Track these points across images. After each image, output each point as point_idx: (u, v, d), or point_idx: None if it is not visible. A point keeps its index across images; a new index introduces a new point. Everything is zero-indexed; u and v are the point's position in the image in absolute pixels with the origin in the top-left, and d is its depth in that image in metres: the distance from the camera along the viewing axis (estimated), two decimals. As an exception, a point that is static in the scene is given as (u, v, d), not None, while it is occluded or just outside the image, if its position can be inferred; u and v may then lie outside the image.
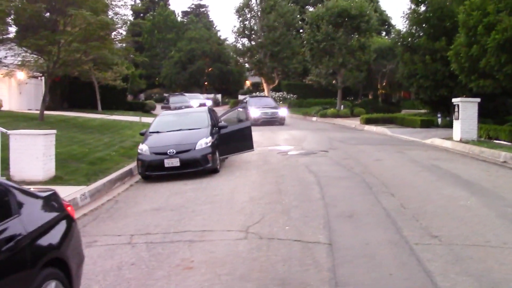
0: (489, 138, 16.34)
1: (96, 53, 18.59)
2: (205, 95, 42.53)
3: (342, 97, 35.01)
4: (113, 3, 20.72)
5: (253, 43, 42.44)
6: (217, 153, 11.21)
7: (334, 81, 34.18)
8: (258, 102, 27.97)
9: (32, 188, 3.86)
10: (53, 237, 3.51)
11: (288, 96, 44.06)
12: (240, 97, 52.98)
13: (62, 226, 3.73)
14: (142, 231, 6.54)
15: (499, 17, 15.10)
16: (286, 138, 18.47)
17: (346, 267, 4.91)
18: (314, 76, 33.25)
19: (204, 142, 10.80)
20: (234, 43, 44.14)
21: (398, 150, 14.41)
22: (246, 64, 45.18)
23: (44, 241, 3.39)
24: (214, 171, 11.00)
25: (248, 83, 60.37)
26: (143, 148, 10.80)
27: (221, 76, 54.11)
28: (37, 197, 3.67)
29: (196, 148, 10.64)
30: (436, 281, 4.47)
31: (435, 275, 4.61)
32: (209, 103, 39.73)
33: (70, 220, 3.92)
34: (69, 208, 4.02)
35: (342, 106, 33.07)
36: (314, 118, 31.67)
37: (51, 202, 3.86)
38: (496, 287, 4.37)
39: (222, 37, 61.50)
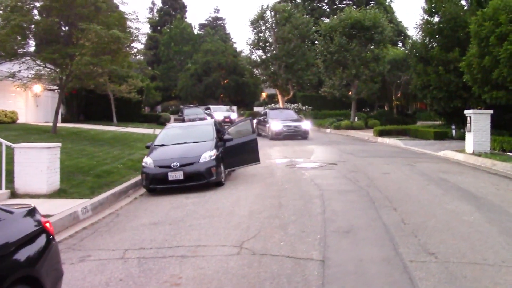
0: (503, 150, 16.03)
1: (107, 67, 18.76)
2: (227, 107, 43.21)
3: (358, 108, 34.84)
4: (125, 16, 20.87)
5: (268, 55, 42.50)
6: (221, 166, 11.18)
7: (349, 93, 34.00)
8: (279, 115, 26.09)
9: (13, 203, 3.84)
10: (26, 253, 3.48)
11: (303, 108, 43.90)
12: (256, 109, 53.09)
13: (38, 242, 3.71)
14: (137, 245, 6.50)
15: (511, 27, 14.90)
16: (295, 150, 18.36)
17: (335, 285, 4.80)
18: (328, 88, 33.11)
19: (208, 155, 10.78)
20: (249, 55, 44.26)
21: (408, 162, 14.20)
22: (261, 76, 45.19)
23: (16, 257, 3.36)
24: (218, 184, 10.96)
25: (263, 94, 60.47)
26: (148, 161, 10.82)
27: (236, 88, 54.29)
28: (11, 212, 3.66)
29: (200, 161, 10.62)
30: (425, 301, 4.35)
31: (425, 295, 4.49)
32: (234, 115, 40.31)
33: (48, 236, 3.90)
34: (47, 224, 4.00)
35: (356, 117, 32.87)
36: (328, 130, 31.51)
37: (27, 218, 3.84)
38: (487, 308, 4.22)
39: (238, 49, 61.84)
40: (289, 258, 5.65)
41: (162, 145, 11.65)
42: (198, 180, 10.58)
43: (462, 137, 19.83)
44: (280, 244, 6.22)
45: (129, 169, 12.89)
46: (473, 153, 15.40)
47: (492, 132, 16.74)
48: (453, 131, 22.05)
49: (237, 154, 12.11)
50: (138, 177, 11.63)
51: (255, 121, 24.62)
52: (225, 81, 55.69)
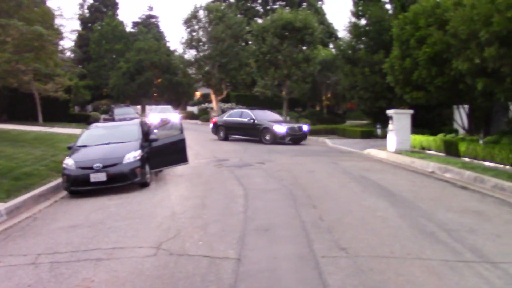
0: (422, 148, 16.86)
1: (31, 64, 18.04)
2: (161, 106, 40.55)
3: (290, 108, 35.35)
4: (51, 12, 20.15)
5: (201, 54, 42.31)
6: (147, 167, 11.04)
7: (281, 93, 34.46)
8: (266, 116, 22.83)
9: None
10: None
11: (237, 108, 44.11)
12: (190, 108, 52.63)
13: None
14: (51, 250, 6.32)
15: (429, 31, 15.65)
16: (226, 150, 18.43)
17: (246, 283, 4.89)
18: (260, 88, 33.37)
19: (132, 155, 10.61)
20: (183, 54, 43.86)
21: (333, 161, 14.62)
22: (195, 75, 44.91)
23: None
24: (143, 185, 10.82)
25: (197, 94, 60.08)
26: (69, 162, 10.50)
27: (170, 87, 53.49)
28: None
29: (124, 162, 10.44)
30: (331, 295, 4.52)
31: (332, 289, 4.66)
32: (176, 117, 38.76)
33: None
34: None
35: (288, 117, 33.35)
36: (261, 129, 31.76)
37: None
38: (388, 299, 4.45)
39: (171, 48, 61.03)
40: (205, 257, 5.68)
41: (85, 146, 11.33)
42: (122, 181, 10.39)
43: (386, 136, 20.64)
44: (198, 244, 6.24)
45: (52, 171, 12.43)
46: (395, 151, 16.08)
47: (413, 131, 17.56)
48: (378, 130, 22.89)
49: (164, 154, 11.97)
50: (60, 179, 11.25)
51: (225, 117, 23.26)
52: (159, 80, 54.79)
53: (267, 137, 20.98)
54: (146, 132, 12.31)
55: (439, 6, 15.90)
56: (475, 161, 13.23)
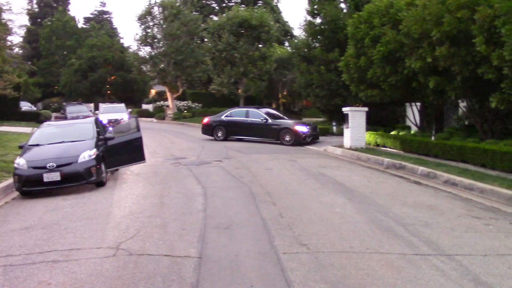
0: (377, 145, 17.22)
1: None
2: (113, 105, 37.90)
3: (246, 105, 35.37)
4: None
5: (156, 51, 41.72)
6: (102, 166, 10.80)
7: (237, 90, 34.45)
8: (274, 114, 21.81)
9: None
10: None
11: (193, 105, 43.70)
12: (145, 106, 51.74)
13: None
14: (4, 253, 6.08)
15: (383, 30, 15.99)
16: (183, 148, 18.27)
17: (209, 281, 4.85)
18: (217, 85, 33.27)
19: (87, 154, 10.35)
20: (137, 51, 43.12)
21: (291, 158, 14.73)
22: (150, 72, 44.23)
23: None
24: (99, 184, 10.58)
25: (152, 92, 59.25)
26: (20, 162, 10.14)
27: (124, 84, 52.48)
28: None
29: (79, 161, 10.16)
30: (293, 291, 4.55)
31: (295, 284, 4.70)
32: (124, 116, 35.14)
33: None
34: None
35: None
36: (217, 127, 31.64)
37: None
38: (349, 293, 4.52)
39: (125, 45, 60.05)
40: (166, 257, 5.61)
41: (37, 144, 10.96)
42: (77, 181, 10.12)
43: (342, 133, 20.93)
44: (158, 243, 6.16)
45: (1, 171, 11.99)
46: (350, 148, 16.36)
47: (368, 128, 17.92)
48: (334, 128, 23.21)
49: (120, 153, 11.74)
50: (11, 180, 10.87)
51: (222, 117, 21.76)
52: (112, 78, 53.67)
53: (288, 138, 19.70)
54: (101, 130, 12.04)
55: (393, 6, 16.28)
56: (428, 157, 13.61)
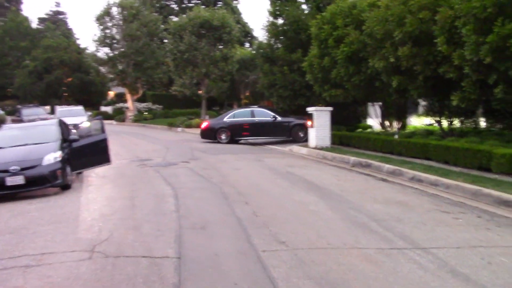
0: (341, 144, 17.44)
1: None
2: (70, 108, 35.40)
3: (208, 107, 35.25)
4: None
5: (115, 52, 41.06)
6: (68, 169, 10.52)
7: (199, 91, 34.26)
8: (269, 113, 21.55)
9: None
10: None
11: (154, 107, 43.23)
12: (104, 108, 50.75)
13: None
14: (-29, 259, 5.84)
15: (346, 31, 16.24)
16: (147, 150, 18.03)
17: (192, 281, 4.80)
18: (178, 87, 32.97)
19: (52, 157, 10.06)
20: (95, 52, 42.27)
21: (257, 158, 14.76)
22: (108, 74, 43.45)
23: None
24: (65, 187, 10.32)
25: (111, 93, 58.22)
26: (-19, 166, 9.77)
27: (81, 86, 51.32)
28: None
29: (43, 164, 9.87)
30: (278, 287, 4.55)
31: (278, 281, 4.70)
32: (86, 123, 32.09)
33: None
34: None
35: (207, 116, 33.29)
36: (180, 129, 31.41)
37: None
38: (333, 287, 4.55)
39: (82, 46, 58.63)
40: (144, 258, 5.51)
41: (-1, 147, 10.60)
42: (42, 184, 9.82)
43: (305, 133, 21.15)
44: (134, 244, 6.04)
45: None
46: (316, 147, 16.53)
47: (332, 127, 18.13)
48: (298, 128, 23.34)
49: (85, 155, 11.47)
50: (-29, 184, 10.45)
51: (225, 119, 21.21)
52: (69, 79, 52.40)
53: (302, 134, 19.76)
54: (65, 132, 11.74)
55: (356, 7, 16.54)
56: (392, 155, 13.88)
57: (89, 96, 52.59)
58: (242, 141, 20.87)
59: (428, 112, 16.78)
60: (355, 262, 5.22)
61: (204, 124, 21.97)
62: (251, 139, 21.12)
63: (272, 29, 24.19)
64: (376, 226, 6.65)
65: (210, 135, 21.32)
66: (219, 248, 5.78)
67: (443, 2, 12.41)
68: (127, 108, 43.59)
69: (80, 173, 12.11)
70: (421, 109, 18.27)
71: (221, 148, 18.64)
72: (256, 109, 21.77)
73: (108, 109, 49.13)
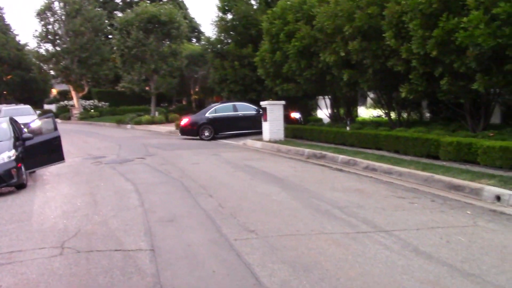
0: (295, 137, 17.80)
1: None
2: (16, 107, 32.77)
3: (157, 103, 34.90)
4: None
5: (58, 48, 39.85)
6: (22, 167, 10.26)
7: (147, 88, 33.86)
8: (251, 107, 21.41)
9: None
10: None
11: (100, 105, 42.31)
12: (47, 106, 49.16)
13: None
14: None
15: (298, 26, 16.57)
16: (99, 147, 17.74)
17: (169, 270, 4.89)
18: (127, 83, 32.43)
19: (6, 156, 9.78)
20: (37, 48, 40.85)
21: (213, 153, 14.86)
22: (51, 71, 42.11)
23: None
24: (20, 186, 10.05)
25: (54, 91, 56.45)
26: None
27: (22, 84, 49.45)
28: None
29: (-3, 163, 9.60)
30: (255, 272, 4.72)
31: (254, 267, 4.86)
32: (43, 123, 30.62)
33: None
34: None
35: (156, 112, 32.99)
36: (129, 126, 30.99)
37: None
38: (307, 269, 4.76)
39: (22, 42, 56.56)
40: (117, 251, 5.54)
41: None
42: (-4, 184, 9.56)
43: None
44: (104, 239, 6.04)
45: None
46: (270, 141, 16.80)
47: (285, 121, 18.47)
48: (250, 122, 23.58)
49: (38, 153, 11.19)
50: None
51: (207, 115, 20.72)
52: (8, 77, 50.38)
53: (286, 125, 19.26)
54: (17, 130, 11.41)
55: (306, 2, 16.90)
56: (344, 147, 14.32)
57: (31, 94, 50.76)
58: (203, 137, 20.46)
59: (376, 104, 17.41)
60: (324, 246, 5.47)
61: (184, 121, 21.22)
62: (236, 133, 20.79)
63: (222, 24, 24.33)
64: (339, 213, 6.94)
65: (191, 131, 20.71)
66: (191, 239, 5.88)
67: (391, -2, 12.92)
68: (72, 105, 42.49)
69: (33, 172, 11.82)
70: (369, 101, 18.89)
71: (176, 143, 18.61)
72: (238, 103, 21.49)
73: (52, 107, 47.69)
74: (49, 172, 12.18)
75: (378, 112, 18.52)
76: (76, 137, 22.35)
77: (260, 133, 18.41)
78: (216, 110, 20.99)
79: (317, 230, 6.11)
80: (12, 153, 9.94)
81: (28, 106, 31.25)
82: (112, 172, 11.71)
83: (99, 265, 5.12)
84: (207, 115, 20.82)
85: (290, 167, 11.82)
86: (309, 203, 7.60)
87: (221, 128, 20.70)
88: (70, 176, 11.48)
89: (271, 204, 7.62)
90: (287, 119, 19.66)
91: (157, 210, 7.51)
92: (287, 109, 19.25)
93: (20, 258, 5.52)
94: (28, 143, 11.05)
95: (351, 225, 6.30)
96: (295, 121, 20.39)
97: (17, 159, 10.03)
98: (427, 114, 17.60)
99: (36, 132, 11.75)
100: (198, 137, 20.36)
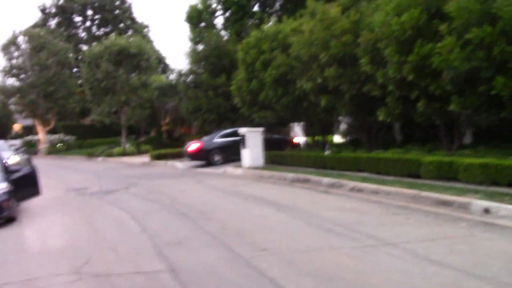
0: (274, 163, 18.07)
1: None
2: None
3: (126, 135, 34.74)
4: None
5: (22, 83, 39.34)
6: (14, 200, 10.17)
7: (119, 119, 33.73)
8: None
9: None
10: None
11: (66, 138, 41.73)
12: (12, 142, 47.94)
13: None
14: (-51, 292, 5.63)
15: (273, 54, 17.09)
16: (78, 179, 17.59)
17: (196, 286, 5.04)
18: (97, 115, 32.21)
19: (-1, 188, 9.72)
20: (1, 83, 40.17)
21: (197, 181, 15.00)
22: (17, 105, 41.40)
23: None
24: (11, 219, 9.93)
25: (16, 127, 55.21)
26: None
27: (-18, 120, 48.38)
28: None
29: (-10, 196, 9.50)
30: (282, 285, 4.92)
31: (279, 280, 5.06)
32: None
33: None
34: None
35: (128, 144, 32.83)
36: (100, 158, 30.68)
37: None
38: (330, 280, 5.01)
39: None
40: (137, 273, 5.65)
41: None
42: (-12, 217, 9.44)
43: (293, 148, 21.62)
44: (120, 263, 6.13)
45: None
46: (250, 167, 17.04)
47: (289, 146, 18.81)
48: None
49: (22, 186, 11.10)
50: None
51: (215, 140, 20.73)
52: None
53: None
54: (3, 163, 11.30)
55: (280, 31, 17.48)
56: (325, 170, 14.68)
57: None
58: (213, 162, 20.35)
59: (351, 128, 17.98)
60: (338, 259, 5.72)
61: (194, 146, 20.88)
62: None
63: (194, 55, 24.70)
64: (342, 229, 7.22)
65: (201, 157, 20.57)
66: (207, 259, 6.04)
67: (364, 26, 13.58)
68: (38, 140, 41.74)
69: (17, 205, 11.67)
70: (343, 126, 19.46)
71: (155, 173, 18.66)
72: (243, 128, 21.57)
73: (16, 142, 46.52)
74: (34, 205, 12.00)
75: (351, 137, 19.09)
76: (51, 171, 21.96)
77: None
78: (223, 135, 21.04)
79: (326, 245, 6.37)
80: (4, 186, 9.87)
81: (2, 141, 30.46)
82: (101, 202, 11.69)
83: (124, 287, 5.21)
84: (215, 140, 20.83)
85: (278, 191, 12.08)
86: (310, 222, 7.87)
87: (232, 153, 20.27)
88: (59, 207, 11.40)
89: (273, 225, 7.85)
90: (291, 144, 20.90)
91: (161, 235, 7.62)
92: (289, 135, 19.96)
93: (39, 285, 5.56)
94: (15, 175, 10.95)
95: (357, 240, 6.58)
96: (297, 146, 21.42)
97: (9, 192, 9.95)
98: (399, 138, 18.25)
99: (14, 168, 11.66)
100: (205, 162, 20.44)
